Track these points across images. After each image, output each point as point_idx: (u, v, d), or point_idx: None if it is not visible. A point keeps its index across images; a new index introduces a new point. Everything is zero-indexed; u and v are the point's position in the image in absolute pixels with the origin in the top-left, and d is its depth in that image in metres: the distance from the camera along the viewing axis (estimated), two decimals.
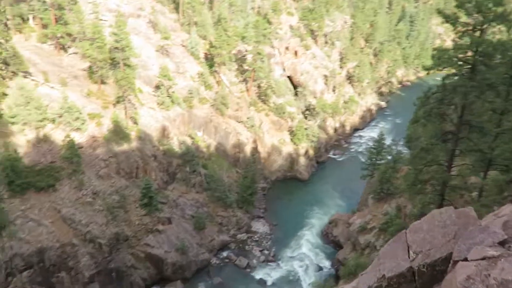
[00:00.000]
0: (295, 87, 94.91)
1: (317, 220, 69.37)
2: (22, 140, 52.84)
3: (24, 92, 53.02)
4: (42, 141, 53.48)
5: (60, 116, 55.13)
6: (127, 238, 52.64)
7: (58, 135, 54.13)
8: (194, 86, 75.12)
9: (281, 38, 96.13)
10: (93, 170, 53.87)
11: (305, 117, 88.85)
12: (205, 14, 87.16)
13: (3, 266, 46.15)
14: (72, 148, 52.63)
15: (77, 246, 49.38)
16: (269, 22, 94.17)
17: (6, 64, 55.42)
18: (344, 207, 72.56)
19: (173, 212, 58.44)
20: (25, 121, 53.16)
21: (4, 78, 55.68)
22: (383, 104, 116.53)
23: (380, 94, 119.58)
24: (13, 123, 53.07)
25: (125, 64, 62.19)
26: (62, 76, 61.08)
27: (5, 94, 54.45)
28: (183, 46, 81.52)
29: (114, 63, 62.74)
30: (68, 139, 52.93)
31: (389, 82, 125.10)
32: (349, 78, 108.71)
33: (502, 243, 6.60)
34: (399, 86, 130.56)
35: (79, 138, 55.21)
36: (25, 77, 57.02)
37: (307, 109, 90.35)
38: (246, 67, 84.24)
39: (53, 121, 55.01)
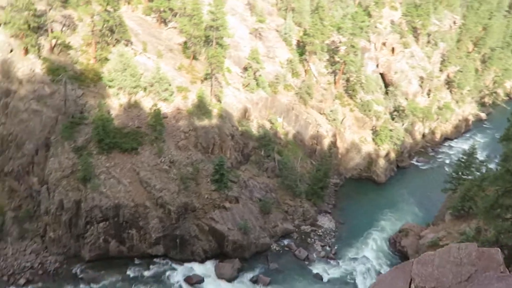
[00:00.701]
0: (386, 85, 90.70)
1: (387, 226, 66.40)
2: (115, 103, 57.20)
3: (123, 59, 57.04)
4: (133, 107, 57.38)
5: (152, 85, 58.55)
6: (194, 209, 54.89)
7: (147, 103, 57.65)
8: (282, 72, 75.12)
9: (379, 32, 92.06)
10: (173, 141, 56.67)
11: (392, 118, 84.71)
12: (303, 1, 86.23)
13: (83, 215, 50.89)
14: (157, 116, 55.79)
15: (149, 208, 52.66)
16: (369, 15, 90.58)
17: (112, 31, 59.87)
18: (418, 217, 68.51)
19: (241, 192, 59.62)
20: (120, 86, 57.36)
21: (108, 44, 60.31)
22: (483, 115, 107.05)
23: (482, 104, 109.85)
24: (110, 87, 57.57)
25: (217, 43, 63.99)
26: (158, 48, 64.63)
27: (107, 59, 59.06)
28: (277, 31, 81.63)
29: (207, 41, 64.89)
30: (155, 107, 56.18)
31: (494, 92, 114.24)
32: (448, 83, 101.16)
33: None
34: (506, 98, 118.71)
35: (165, 108, 58.28)
36: (126, 45, 61.23)
37: (395, 110, 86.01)
38: (337, 59, 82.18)
39: (145, 89, 58.61)
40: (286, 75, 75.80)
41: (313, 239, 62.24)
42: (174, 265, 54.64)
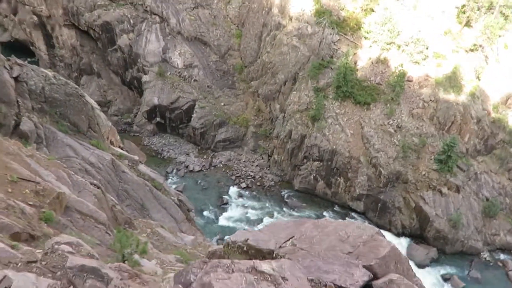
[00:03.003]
0: None
1: None
2: (365, 55, 57.59)
3: (386, 12, 56.04)
4: (380, 62, 56.68)
5: (407, 45, 56.02)
6: (406, 181, 52.44)
7: (396, 62, 55.84)
8: None
9: None
10: (408, 106, 54.00)
11: None
12: None
13: (304, 149, 55.68)
14: (401, 77, 53.80)
15: (361, 164, 53.24)
16: None
17: None
18: None
19: (466, 183, 53.00)
20: (375, 39, 57.11)
21: None
22: None
23: None
24: (366, 38, 58.05)
25: (501, 12, 55.05)
26: (430, 9, 60.05)
27: (372, 10, 59.08)
28: None
29: (490, 7, 56.53)
30: (401, 68, 54.09)
31: None
32: None
33: None
34: None
35: (412, 71, 55.29)
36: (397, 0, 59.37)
37: None
38: None
39: (399, 47, 56.60)
40: None
41: None
42: None
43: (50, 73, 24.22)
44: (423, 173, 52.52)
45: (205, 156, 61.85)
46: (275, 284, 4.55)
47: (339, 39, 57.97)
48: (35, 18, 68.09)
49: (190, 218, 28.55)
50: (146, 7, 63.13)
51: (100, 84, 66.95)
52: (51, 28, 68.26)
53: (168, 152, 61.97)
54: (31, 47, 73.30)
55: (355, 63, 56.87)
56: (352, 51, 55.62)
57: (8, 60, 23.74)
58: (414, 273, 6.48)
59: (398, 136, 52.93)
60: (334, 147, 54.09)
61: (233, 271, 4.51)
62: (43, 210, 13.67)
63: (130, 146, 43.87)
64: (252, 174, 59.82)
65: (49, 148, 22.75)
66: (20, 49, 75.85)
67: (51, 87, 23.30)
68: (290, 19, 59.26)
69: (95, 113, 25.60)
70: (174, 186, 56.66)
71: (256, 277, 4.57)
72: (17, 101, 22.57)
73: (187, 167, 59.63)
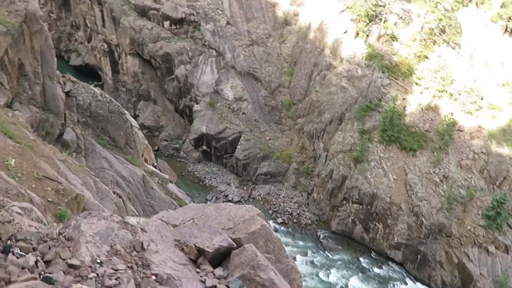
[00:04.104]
0: None
1: None
2: (415, 101, 56.74)
3: (439, 60, 55.35)
4: (430, 109, 55.52)
5: (459, 94, 54.65)
6: (450, 234, 49.72)
7: (446, 110, 54.44)
8: None
9: None
10: (457, 156, 51.95)
11: None
12: None
13: (344, 190, 54.82)
14: (451, 126, 52.26)
15: (402, 211, 51.39)
16: None
17: (442, 31, 58.41)
18: None
19: None
20: (427, 86, 56.28)
21: (434, 43, 59.40)
22: None
23: None
24: (417, 84, 57.44)
25: None
26: (487, 60, 58.45)
27: (426, 57, 58.60)
28: None
29: None
30: (451, 117, 52.63)
31: None
32: None
33: None
34: None
35: (464, 121, 53.53)
36: (452, 48, 58.61)
37: None
38: None
39: (451, 95, 55.29)
40: None
41: None
42: (406, 279, 52.15)
43: (98, 91, 26.46)
44: (469, 228, 49.60)
45: (245, 188, 62.55)
46: (132, 233, 5.01)
47: (389, 83, 57.72)
48: (106, 46, 74.23)
49: None
50: (205, 42, 66.80)
51: (155, 110, 70.71)
52: (118, 56, 73.90)
53: (210, 180, 63.40)
54: (99, 72, 79.54)
55: (404, 108, 56.12)
56: (401, 96, 55.10)
57: (63, 76, 26.26)
58: (287, 255, 6.64)
59: (444, 186, 50.78)
60: (375, 191, 52.81)
61: (105, 219, 5.05)
62: (60, 207, 14.85)
63: (163, 166, 45.72)
64: (289, 210, 59.47)
65: (87, 159, 24.52)
66: (90, 73, 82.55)
67: (96, 104, 25.41)
68: (341, 60, 60.08)
69: (133, 131, 27.36)
70: None
71: (119, 225, 5.08)
72: (65, 113, 24.76)
73: (226, 196, 60.50)
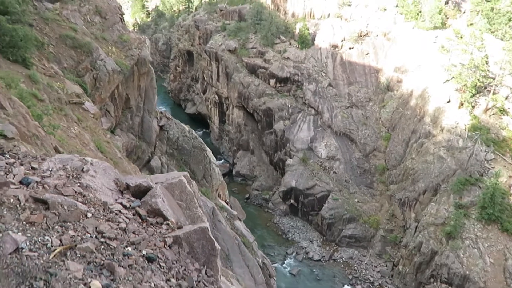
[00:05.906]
0: None
1: None
2: None
3: None
4: None
5: None
6: None
7: None
8: None
9: None
10: None
11: None
12: None
13: (432, 267, 50.80)
14: None
15: None
16: None
17: None
18: None
19: None
20: None
21: None
22: None
23: None
24: None
25: None
26: None
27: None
28: None
29: None
30: None
31: None
32: None
33: None
34: None
35: None
36: None
37: None
38: None
39: None
40: None
41: None
42: None
43: (186, 127, 29.94)
44: None
45: (327, 248, 61.34)
46: (83, 164, 6.62)
47: (494, 158, 53.62)
48: (217, 97, 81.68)
49: (270, 284, 29.27)
50: (305, 100, 69.84)
51: (251, 160, 74.46)
52: (226, 107, 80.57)
53: (293, 234, 63.60)
54: (208, 120, 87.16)
55: (510, 186, 51.30)
56: (507, 174, 50.67)
57: (161, 112, 30.38)
58: (197, 206, 7.48)
59: None
60: (468, 272, 47.93)
61: (74, 157, 6.79)
62: None
63: (234, 203, 47.37)
64: (371, 279, 56.48)
65: None
66: (200, 121, 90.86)
67: (183, 138, 28.74)
68: (441, 129, 57.83)
69: (211, 167, 30.00)
70: (289, 268, 57.40)
71: (79, 160, 6.75)
72: (156, 143, 28.46)
73: (307, 253, 59.92)
